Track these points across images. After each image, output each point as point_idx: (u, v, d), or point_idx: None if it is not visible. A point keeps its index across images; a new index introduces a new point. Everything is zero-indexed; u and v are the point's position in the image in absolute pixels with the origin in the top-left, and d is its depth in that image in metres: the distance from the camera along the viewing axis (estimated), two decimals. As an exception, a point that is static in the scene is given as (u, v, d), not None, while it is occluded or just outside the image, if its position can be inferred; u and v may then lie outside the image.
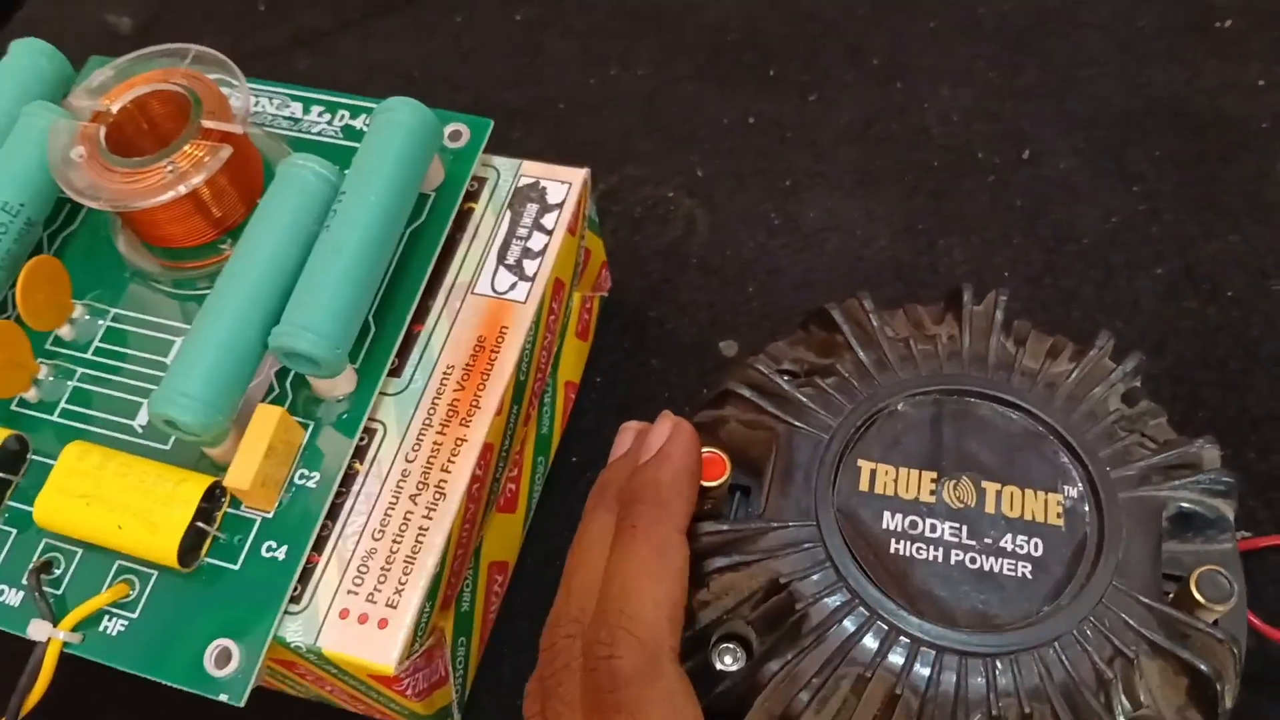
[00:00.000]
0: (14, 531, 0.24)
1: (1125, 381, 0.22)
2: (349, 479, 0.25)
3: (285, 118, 0.29)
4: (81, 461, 0.24)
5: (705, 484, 0.22)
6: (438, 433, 0.25)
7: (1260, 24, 0.36)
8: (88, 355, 0.26)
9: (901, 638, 0.20)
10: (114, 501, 0.23)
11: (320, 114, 0.30)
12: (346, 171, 0.26)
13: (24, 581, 0.24)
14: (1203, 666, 0.19)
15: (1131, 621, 0.20)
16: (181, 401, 0.23)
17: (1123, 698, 0.19)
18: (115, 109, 0.26)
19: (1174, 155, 0.34)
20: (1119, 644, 0.19)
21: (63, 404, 0.26)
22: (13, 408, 0.26)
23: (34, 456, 0.25)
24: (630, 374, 0.32)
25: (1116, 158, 0.34)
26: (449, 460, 0.25)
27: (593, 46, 0.39)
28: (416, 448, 0.25)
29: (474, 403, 0.25)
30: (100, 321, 0.27)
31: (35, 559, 0.24)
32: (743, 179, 0.36)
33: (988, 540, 0.21)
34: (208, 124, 0.25)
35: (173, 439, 0.25)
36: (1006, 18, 0.38)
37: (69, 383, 0.26)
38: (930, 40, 0.38)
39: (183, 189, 0.25)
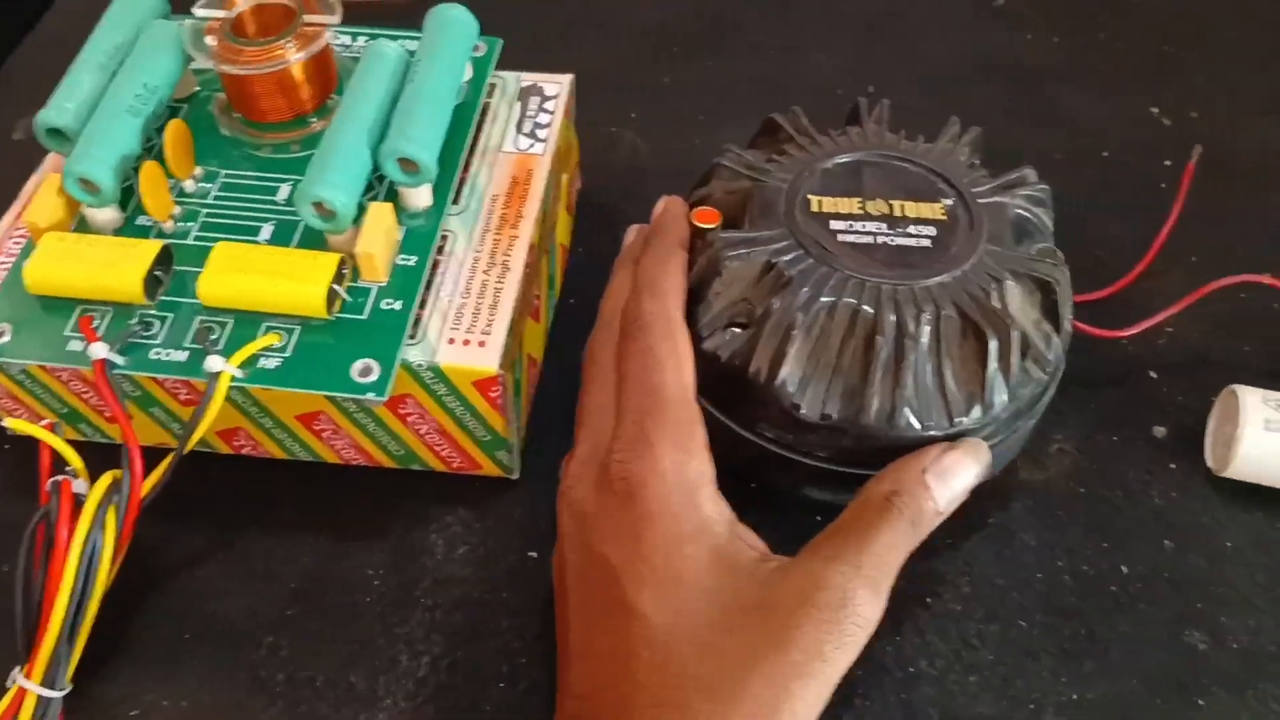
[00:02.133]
0: (171, 315, 0.31)
1: (970, 145, 0.34)
2: (434, 267, 0.33)
3: (339, 44, 0.39)
4: (233, 250, 0.31)
5: (704, 225, 0.32)
6: (495, 234, 0.34)
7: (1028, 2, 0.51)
8: (208, 201, 0.34)
9: (853, 279, 0.30)
10: (267, 270, 0.31)
11: (366, 41, 0.39)
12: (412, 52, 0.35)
13: (191, 339, 0.31)
14: (1044, 277, 0.30)
15: (999, 262, 0.30)
16: (331, 184, 0.31)
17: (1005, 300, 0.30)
18: (234, 14, 0.34)
19: (984, 88, 0.48)
20: (993, 274, 0.30)
21: (195, 232, 0.33)
22: (152, 237, 0.33)
23: (176, 267, 0.32)
24: (605, 242, 0.41)
25: (945, 92, 0.47)
26: (508, 249, 0.34)
27: (540, 41, 0.50)
28: (481, 244, 0.34)
29: (519, 213, 0.34)
30: (214, 181, 0.35)
31: (195, 326, 0.31)
32: (671, 118, 0.47)
33: (900, 229, 0.31)
34: (310, 18, 0.34)
35: (293, 244, 0.33)
36: (861, 8, 0.52)
37: (197, 220, 0.34)
38: (805, 26, 0.51)
39: (297, 57, 0.33)
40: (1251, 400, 0.33)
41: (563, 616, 0.28)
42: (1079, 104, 0.47)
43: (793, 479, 0.31)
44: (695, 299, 0.31)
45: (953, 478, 0.28)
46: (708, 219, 0.32)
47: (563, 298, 0.40)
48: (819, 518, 0.28)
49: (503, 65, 0.38)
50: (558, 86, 0.38)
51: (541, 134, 0.37)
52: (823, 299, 0.29)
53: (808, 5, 0.52)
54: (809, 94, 0.47)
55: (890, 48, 0.50)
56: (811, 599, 0.25)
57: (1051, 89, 0.47)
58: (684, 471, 0.27)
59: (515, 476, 0.35)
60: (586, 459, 0.29)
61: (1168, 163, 0.44)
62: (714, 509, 0.27)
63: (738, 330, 0.30)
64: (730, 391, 0.30)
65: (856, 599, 0.25)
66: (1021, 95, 0.47)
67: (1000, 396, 0.29)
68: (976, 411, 0.29)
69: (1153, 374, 0.37)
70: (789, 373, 0.29)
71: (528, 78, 0.39)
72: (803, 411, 0.29)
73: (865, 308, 0.29)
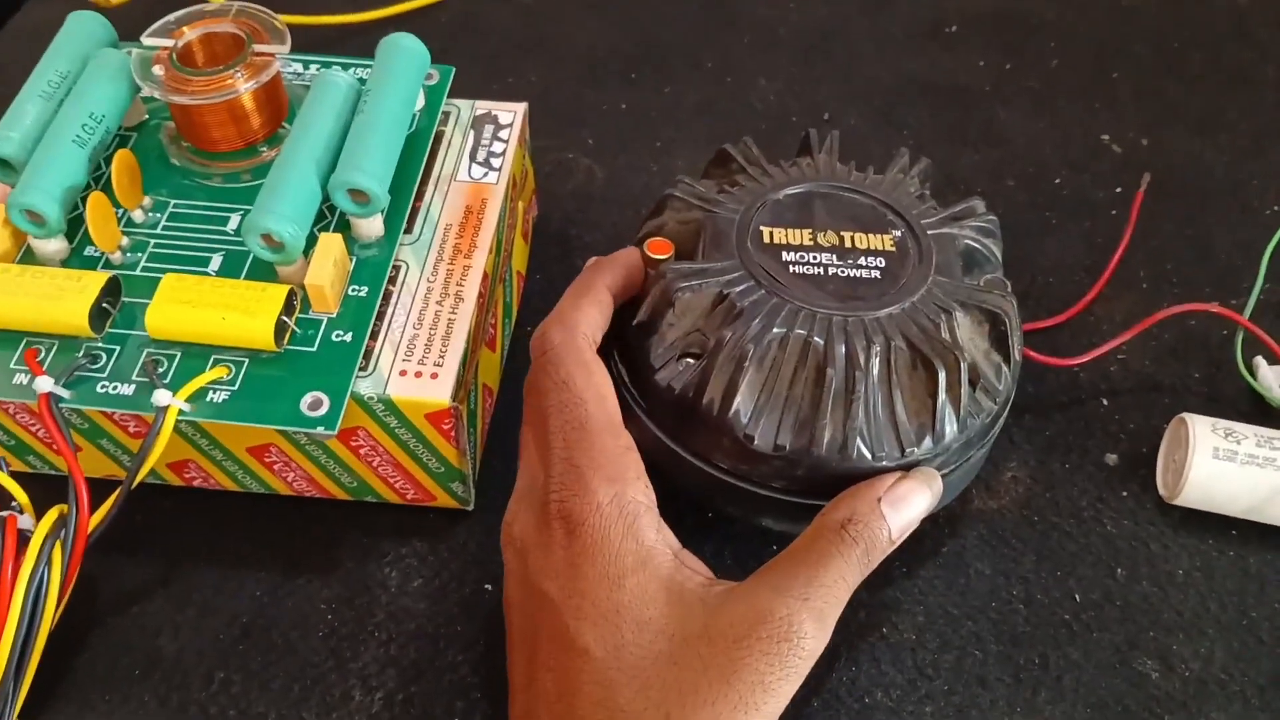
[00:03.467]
0: (118, 347, 0.31)
1: (919, 176, 0.34)
2: (386, 297, 0.33)
3: (290, 73, 0.38)
4: (181, 282, 0.31)
5: (656, 256, 0.32)
6: (449, 263, 0.34)
7: (976, 28, 0.51)
8: (157, 231, 0.34)
9: (804, 311, 0.30)
10: (215, 303, 0.30)
11: (317, 69, 0.39)
12: (362, 83, 0.35)
13: (139, 372, 0.30)
14: (993, 308, 0.30)
15: (948, 294, 0.31)
16: (279, 217, 0.30)
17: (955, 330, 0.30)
18: (181, 43, 0.34)
19: (928, 111, 0.48)
20: (942, 305, 0.30)
21: (143, 263, 0.33)
22: (99, 270, 0.33)
23: (125, 299, 0.32)
24: (562, 269, 0.42)
25: (889, 114, 0.48)
26: (461, 279, 0.33)
27: (493, 65, 0.50)
28: (434, 274, 0.33)
29: (472, 243, 0.34)
30: (163, 211, 0.34)
31: (143, 359, 0.31)
32: (624, 144, 0.47)
33: (850, 260, 0.31)
34: (259, 48, 0.34)
35: (243, 275, 0.32)
36: (799, 34, 0.52)
37: (145, 251, 0.33)
38: (746, 51, 0.51)
39: (246, 87, 0.33)
40: (1201, 428, 0.34)
41: (510, 652, 0.28)
42: (1030, 131, 0.47)
43: (747, 509, 0.31)
44: (648, 330, 0.31)
45: (906, 506, 0.28)
46: (660, 250, 0.32)
47: (519, 326, 0.40)
48: (775, 546, 0.28)
49: (455, 91, 0.38)
50: (511, 114, 0.38)
51: (495, 163, 0.37)
52: (774, 330, 0.29)
53: (745, 29, 0.52)
54: (757, 118, 0.48)
55: (830, 70, 0.50)
56: (756, 630, 0.25)
57: (1002, 115, 0.48)
58: (622, 503, 0.27)
59: (470, 508, 0.34)
60: (524, 494, 0.29)
61: (1118, 190, 0.45)
62: (656, 538, 0.27)
63: (690, 361, 0.30)
64: (683, 422, 0.30)
65: (802, 631, 0.25)
66: (971, 121, 0.48)
67: (950, 427, 0.29)
68: (928, 442, 0.29)
69: (1104, 401, 0.38)
70: (741, 404, 0.29)
71: (482, 105, 0.39)
72: (756, 443, 0.29)
73: (816, 339, 0.29)
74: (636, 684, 0.25)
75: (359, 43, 0.50)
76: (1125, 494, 0.35)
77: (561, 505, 0.27)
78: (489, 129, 0.38)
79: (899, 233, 0.32)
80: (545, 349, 0.29)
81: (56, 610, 0.29)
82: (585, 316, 0.30)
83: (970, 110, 0.48)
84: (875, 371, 0.29)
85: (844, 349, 0.29)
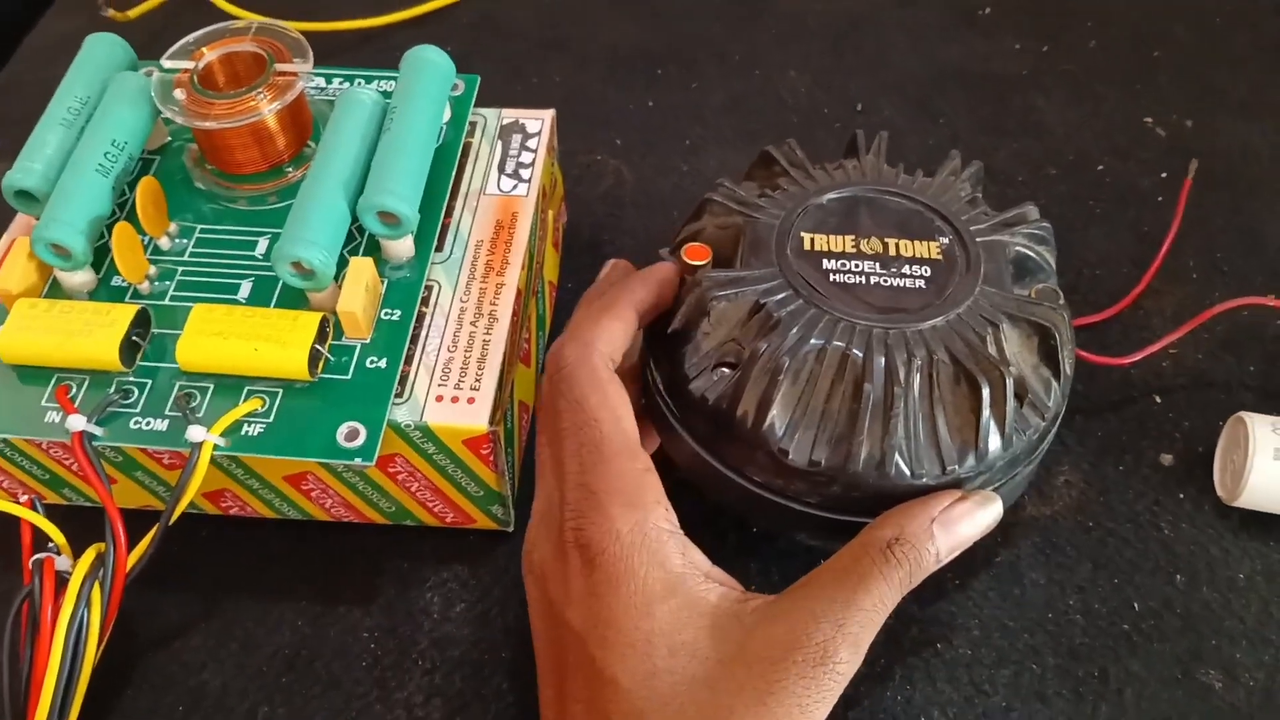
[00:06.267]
0: (149, 381, 0.31)
1: (970, 180, 0.33)
2: (420, 319, 0.32)
3: (313, 87, 0.38)
4: (211, 313, 0.30)
5: (695, 263, 0.31)
6: (480, 282, 0.33)
7: (1010, 10, 0.50)
8: (184, 258, 0.33)
9: (843, 322, 0.29)
10: (246, 334, 0.30)
11: (340, 83, 0.38)
12: (387, 100, 0.34)
13: (171, 406, 0.30)
14: (1043, 321, 0.29)
15: (996, 305, 0.29)
16: (308, 244, 0.30)
17: (1001, 344, 0.29)
18: (201, 65, 0.33)
19: (964, 100, 0.47)
20: (989, 318, 0.29)
21: (171, 292, 0.32)
22: (128, 300, 0.32)
23: (155, 330, 0.31)
24: (594, 276, 0.40)
25: (924, 104, 0.47)
26: (494, 298, 0.33)
27: (515, 67, 0.49)
28: (467, 294, 0.33)
29: (505, 259, 0.34)
30: (189, 237, 0.34)
31: (175, 393, 0.30)
32: (652, 144, 0.46)
33: (894, 269, 0.30)
34: (281, 67, 0.33)
35: (273, 301, 0.32)
36: (826, 23, 0.50)
37: (173, 280, 0.33)
38: (774, 42, 0.50)
39: (270, 109, 0.32)
40: (1260, 429, 0.33)
41: (540, 684, 0.27)
42: (1070, 117, 0.46)
43: (781, 524, 0.30)
44: (683, 339, 0.30)
45: (959, 528, 0.27)
46: (698, 255, 0.31)
47: (553, 337, 0.39)
48: (820, 560, 0.27)
49: (480, 99, 0.37)
50: (539, 123, 0.38)
51: (525, 174, 0.36)
52: (812, 342, 0.28)
53: (772, 20, 0.51)
54: (788, 112, 0.47)
55: (861, 61, 0.49)
56: (792, 654, 0.24)
57: (1041, 102, 0.47)
58: (643, 530, 0.26)
59: (510, 529, 0.34)
60: (542, 520, 0.28)
61: (1164, 175, 0.43)
62: (682, 562, 0.26)
63: (726, 371, 0.29)
64: (718, 434, 0.29)
65: (838, 656, 0.24)
66: (1009, 109, 0.46)
67: (994, 444, 0.28)
68: (970, 460, 0.28)
69: (1157, 399, 0.37)
70: (776, 417, 0.28)
71: (509, 114, 0.38)
72: (790, 457, 0.28)
73: (855, 351, 0.28)
74: (669, 710, 0.24)
75: (378, 46, 0.49)
76: (1182, 496, 0.34)
77: (578, 533, 0.26)
78: (516, 138, 0.37)
79: (946, 240, 0.31)
80: (559, 366, 0.28)
81: (97, 651, 0.29)
82: (604, 333, 0.29)
83: (1007, 98, 0.47)
84: (916, 386, 0.28)
85: (883, 362, 0.28)
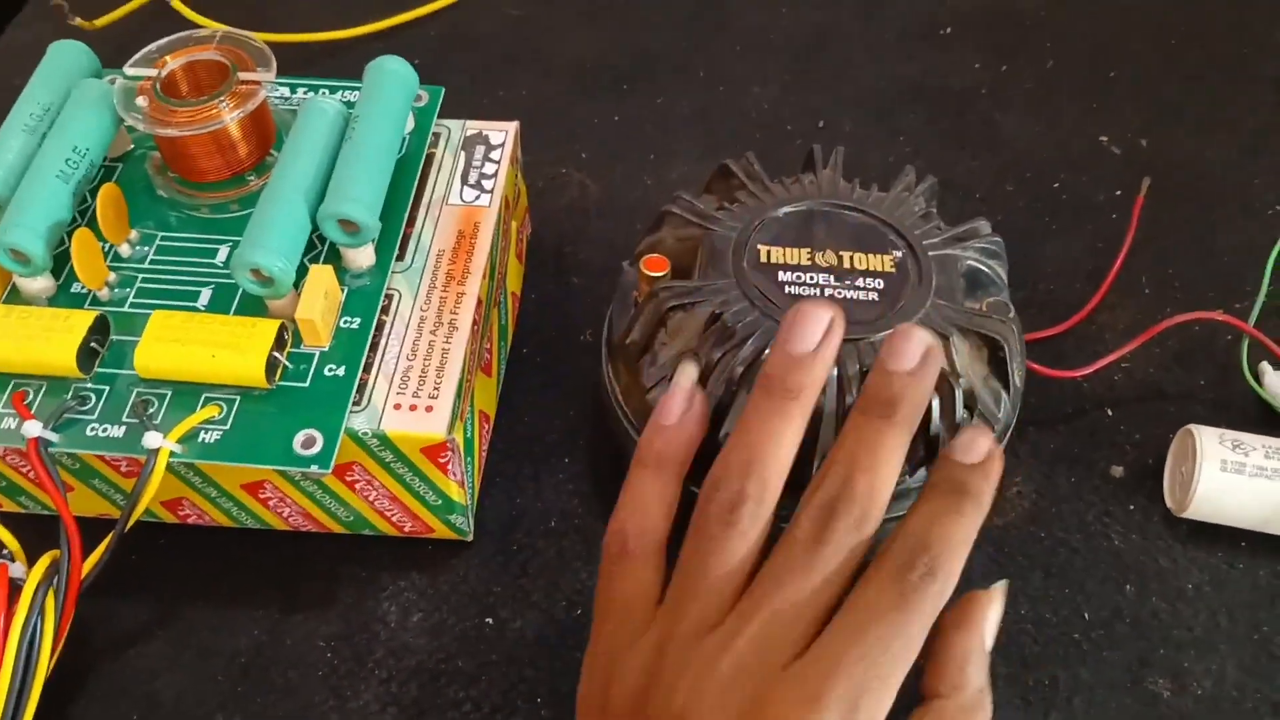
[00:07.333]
0: (106, 387, 0.31)
1: (924, 194, 0.34)
2: (380, 327, 0.32)
3: (277, 97, 0.38)
4: (170, 319, 0.30)
5: (653, 274, 0.31)
6: (441, 291, 0.33)
7: (970, 28, 0.51)
8: (145, 265, 0.33)
9: (801, 335, 0.29)
10: (204, 340, 0.30)
11: (304, 93, 0.38)
12: (349, 107, 0.34)
13: (129, 412, 0.30)
14: (992, 334, 0.30)
15: (946, 318, 0.30)
16: (267, 251, 0.30)
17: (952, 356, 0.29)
18: (164, 73, 0.34)
19: (924, 116, 0.47)
20: (940, 330, 0.30)
21: (131, 299, 0.32)
22: (87, 306, 0.32)
23: (114, 336, 0.31)
24: (557, 288, 0.41)
25: (885, 119, 0.47)
26: (455, 307, 0.33)
27: (481, 79, 0.49)
28: (427, 303, 0.33)
29: (466, 269, 0.34)
30: (150, 244, 0.34)
31: (133, 400, 0.30)
32: (617, 156, 0.46)
33: (847, 281, 0.31)
34: (244, 75, 0.33)
35: (233, 309, 0.32)
36: (790, 38, 0.51)
37: (133, 286, 0.33)
38: (738, 58, 0.50)
39: (232, 116, 0.32)
40: (1208, 440, 0.33)
41: None
42: (1028, 134, 0.47)
43: None
44: (641, 349, 0.30)
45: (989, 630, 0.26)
46: (656, 267, 0.31)
47: (515, 348, 0.39)
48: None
49: (445, 108, 0.37)
50: (503, 134, 0.38)
51: (487, 184, 0.36)
52: (767, 352, 0.29)
53: (737, 35, 0.51)
54: (752, 126, 0.47)
55: (824, 76, 0.49)
56: None
57: (999, 118, 0.47)
58: None
59: (469, 539, 0.34)
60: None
61: (1119, 191, 0.44)
62: None
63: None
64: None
65: None
66: (968, 125, 0.47)
67: (947, 455, 0.29)
68: (921, 470, 0.29)
69: (1109, 411, 0.37)
70: (731, 427, 0.28)
71: (472, 125, 0.38)
72: None
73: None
74: None
75: (346, 59, 0.49)
76: (1133, 507, 0.35)
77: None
78: (480, 150, 0.37)
79: (899, 253, 0.32)
80: (624, 542, 0.27)
81: (51, 658, 0.29)
82: (667, 510, 0.27)
83: (966, 114, 0.48)
84: None
85: (836, 373, 0.29)
